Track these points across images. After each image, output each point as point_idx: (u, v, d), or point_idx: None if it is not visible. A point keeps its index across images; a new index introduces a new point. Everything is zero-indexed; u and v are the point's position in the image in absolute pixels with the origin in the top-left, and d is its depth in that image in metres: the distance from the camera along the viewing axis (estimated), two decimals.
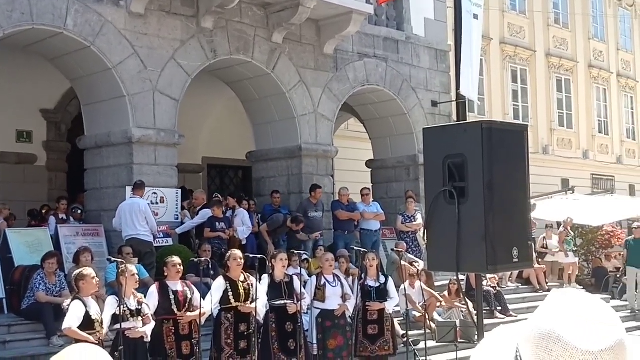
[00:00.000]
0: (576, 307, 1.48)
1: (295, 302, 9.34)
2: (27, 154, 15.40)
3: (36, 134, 15.59)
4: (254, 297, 8.77)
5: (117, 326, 7.43)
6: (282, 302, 9.27)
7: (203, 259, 9.43)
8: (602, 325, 1.45)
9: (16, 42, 11.96)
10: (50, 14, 11.30)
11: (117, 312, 7.40)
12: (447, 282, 13.90)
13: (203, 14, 12.88)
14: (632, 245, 16.50)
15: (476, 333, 6.86)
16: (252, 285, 8.85)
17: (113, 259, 8.49)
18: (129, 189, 11.76)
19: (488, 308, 13.68)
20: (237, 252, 9.17)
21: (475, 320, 5.42)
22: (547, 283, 16.69)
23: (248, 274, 9.15)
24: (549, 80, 24.83)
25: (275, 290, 9.26)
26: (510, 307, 14.41)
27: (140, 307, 7.77)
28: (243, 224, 12.77)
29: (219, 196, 13.42)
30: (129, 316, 7.59)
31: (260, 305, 8.91)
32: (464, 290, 13.11)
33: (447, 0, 17.16)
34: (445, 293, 13.29)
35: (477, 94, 16.92)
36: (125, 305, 7.55)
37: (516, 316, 13.69)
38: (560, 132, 25.21)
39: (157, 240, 11.98)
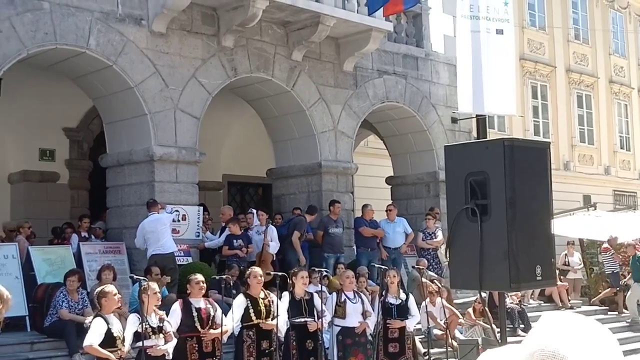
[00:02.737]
0: (576, 329, 1.49)
1: (316, 319, 9.33)
2: (49, 172, 15.55)
3: (59, 152, 15.75)
4: (275, 314, 8.76)
5: (139, 344, 7.45)
6: (303, 319, 9.27)
7: (225, 276, 9.44)
8: (604, 347, 1.46)
9: (40, 62, 12.12)
10: (73, 34, 11.44)
11: (139, 330, 7.42)
12: (468, 298, 13.81)
13: (224, 32, 12.98)
14: (636, 260, 16.23)
15: None
16: (272, 302, 8.85)
17: (135, 277, 8.52)
18: None
19: (511, 325, 13.56)
20: (257, 270, 9.18)
21: (499, 338, 5.38)
22: (569, 300, 16.54)
23: (268, 291, 9.16)
24: (569, 96, 24.70)
25: (295, 307, 9.25)
26: (533, 324, 14.25)
27: (161, 325, 7.78)
28: (272, 240, 12.75)
29: (263, 212, 13.33)
30: (150, 334, 7.61)
31: (281, 322, 8.90)
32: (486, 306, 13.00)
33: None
34: (470, 310, 13.18)
35: (514, 109, 16.88)
36: (147, 323, 7.57)
37: None
38: (582, 148, 25.04)
39: (177, 258, 11.99)
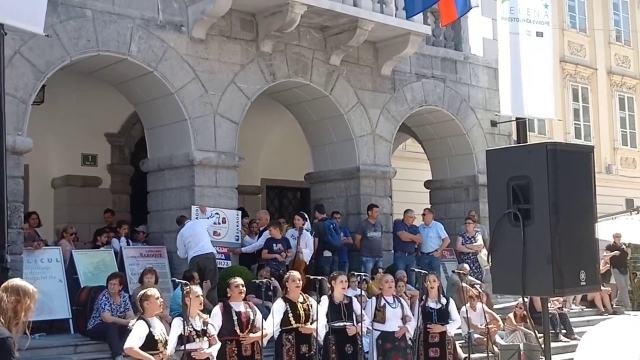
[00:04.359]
0: None
1: (355, 323, 9.32)
2: (92, 176, 15.78)
3: (101, 158, 15.98)
4: (314, 318, 8.78)
5: (183, 347, 7.50)
6: (342, 323, 9.27)
7: (265, 280, 9.49)
8: None
9: (82, 68, 12.33)
10: (115, 41, 11.62)
11: (183, 333, 7.48)
12: (508, 303, 13.67)
13: (262, 38, 13.07)
14: None
15: (542, 357, 6.74)
16: (311, 306, 8.87)
17: (177, 280, 8.60)
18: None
19: (553, 331, 13.39)
20: (296, 274, 9.21)
21: (542, 343, 5.32)
22: (612, 306, 16.28)
23: (307, 295, 9.18)
24: (611, 99, 24.34)
25: (334, 311, 9.26)
26: (575, 330, 14.07)
27: (205, 328, 7.83)
28: (306, 247, 12.72)
29: (300, 218, 13.12)
30: (194, 337, 7.66)
31: (320, 326, 8.91)
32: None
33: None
34: (511, 315, 13.05)
35: (553, 112, 16.69)
36: (190, 326, 7.63)
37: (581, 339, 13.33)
38: (624, 151, 24.64)
39: (217, 260, 12.08)
